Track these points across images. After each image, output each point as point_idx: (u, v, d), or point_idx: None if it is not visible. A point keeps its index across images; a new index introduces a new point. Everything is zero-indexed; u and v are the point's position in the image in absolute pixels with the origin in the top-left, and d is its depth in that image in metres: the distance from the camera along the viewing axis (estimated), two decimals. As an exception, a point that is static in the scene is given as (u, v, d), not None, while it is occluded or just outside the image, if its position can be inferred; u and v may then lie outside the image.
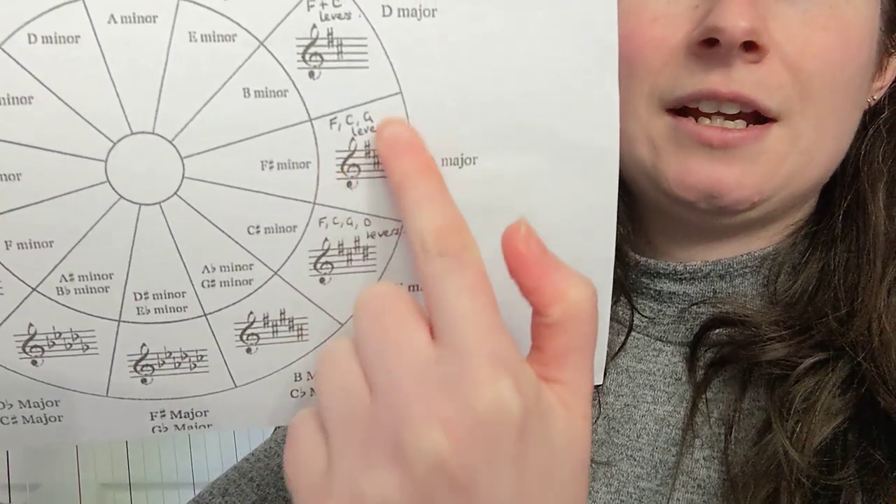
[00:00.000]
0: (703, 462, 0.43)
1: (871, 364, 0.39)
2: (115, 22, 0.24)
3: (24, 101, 0.24)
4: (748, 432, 0.42)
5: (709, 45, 0.39)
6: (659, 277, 0.46)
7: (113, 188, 0.25)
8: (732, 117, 0.40)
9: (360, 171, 0.27)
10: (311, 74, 0.26)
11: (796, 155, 0.41)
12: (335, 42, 0.26)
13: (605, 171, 0.30)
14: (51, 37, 0.24)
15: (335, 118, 0.26)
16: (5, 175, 0.24)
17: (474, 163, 0.28)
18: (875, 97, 0.45)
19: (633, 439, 0.45)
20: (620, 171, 0.36)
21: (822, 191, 0.46)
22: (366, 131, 0.27)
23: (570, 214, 0.30)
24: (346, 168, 0.27)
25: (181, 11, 0.25)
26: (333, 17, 0.26)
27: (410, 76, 0.27)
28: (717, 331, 0.44)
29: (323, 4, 0.26)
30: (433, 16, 0.27)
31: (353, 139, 0.27)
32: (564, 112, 0.29)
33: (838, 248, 0.44)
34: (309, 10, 0.26)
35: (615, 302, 0.47)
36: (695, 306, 0.45)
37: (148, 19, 0.25)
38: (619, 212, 0.40)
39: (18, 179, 0.24)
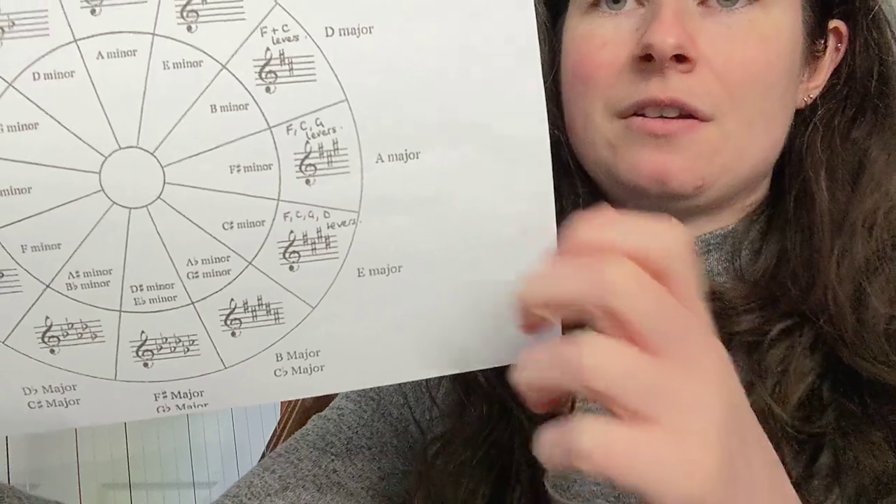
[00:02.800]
0: None
1: (831, 327, 0.45)
2: (103, 57, 0.29)
3: (31, 127, 0.29)
4: None
5: (647, 60, 0.45)
6: None
7: (107, 195, 0.30)
8: (672, 118, 0.46)
9: (316, 169, 0.31)
10: (268, 89, 0.31)
11: (729, 149, 0.47)
12: (286, 61, 0.31)
13: (538, 160, 0.33)
14: (51, 73, 0.29)
15: (291, 125, 0.31)
16: (18, 189, 0.29)
17: (417, 157, 0.32)
18: (812, 95, 0.51)
19: None
20: (587, 170, 0.46)
21: (774, 178, 0.51)
22: (318, 135, 0.31)
23: (509, 202, 0.33)
24: (303, 167, 0.31)
25: (156, 45, 0.30)
26: (284, 41, 0.31)
27: (354, 85, 0.31)
28: None
29: (274, 30, 0.31)
30: (370, 32, 0.31)
31: (307, 142, 0.31)
32: (494, 107, 0.32)
33: (792, 228, 0.49)
34: (262, 35, 0.30)
35: None
36: None
37: (129, 53, 0.30)
38: (591, 202, 0.50)
39: (29, 192, 0.29)
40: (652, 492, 0.27)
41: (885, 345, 0.44)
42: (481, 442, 0.49)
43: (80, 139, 0.29)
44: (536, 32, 0.33)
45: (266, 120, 0.31)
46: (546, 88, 0.53)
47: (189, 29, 0.30)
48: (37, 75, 0.29)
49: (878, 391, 0.44)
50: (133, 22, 0.30)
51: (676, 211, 0.49)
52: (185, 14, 0.30)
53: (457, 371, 0.35)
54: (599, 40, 0.48)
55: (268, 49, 0.30)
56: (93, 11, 0.29)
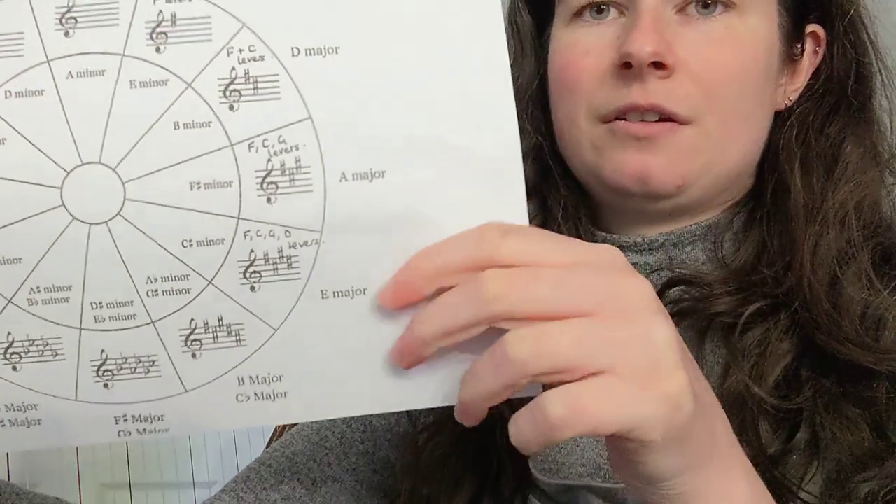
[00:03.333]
0: None
1: (806, 311, 0.47)
2: (72, 77, 0.30)
3: (-1, 143, 0.30)
4: (712, 374, 0.49)
5: (627, 67, 0.48)
6: (623, 251, 0.51)
7: (67, 210, 0.30)
8: (653, 122, 0.49)
9: (277, 188, 0.31)
10: (231, 108, 0.31)
11: (709, 149, 0.50)
12: (251, 80, 0.31)
13: (510, 178, 0.32)
14: (22, 91, 0.30)
15: (253, 143, 0.31)
16: (-19, 202, 0.30)
17: (383, 176, 0.32)
18: (791, 98, 0.54)
19: None
20: (574, 173, 0.50)
21: (756, 174, 0.54)
22: (281, 152, 0.31)
23: (480, 221, 0.32)
24: (265, 185, 0.31)
25: (124, 65, 0.30)
26: (249, 60, 0.31)
27: (318, 104, 0.31)
28: (675, 290, 0.51)
29: (240, 51, 0.31)
30: (336, 53, 0.31)
31: (269, 160, 0.31)
32: (463, 126, 0.32)
33: (771, 219, 0.52)
34: (228, 55, 0.31)
35: None
36: (654, 274, 0.53)
37: (97, 73, 0.30)
38: (578, 202, 0.54)
39: None
40: (637, 430, 0.28)
41: (859, 327, 0.46)
42: (467, 429, 0.51)
43: (45, 154, 0.30)
44: (507, 51, 0.32)
45: (228, 137, 0.31)
46: (532, 95, 0.57)
47: (157, 50, 0.31)
48: (8, 94, 0.30)
49: (853, 371, 0.46)
50: (104, 43, 0.30)
51: (660, 210, 0.52)
52: (154, 36, 0.31)
53: (426, 406, 0.34)
54: (583, 48, 0.51)
55: (233, 68, 0.31)
56: (66, 34, 0.30)
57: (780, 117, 0.54)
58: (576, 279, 0.30)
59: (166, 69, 0.30)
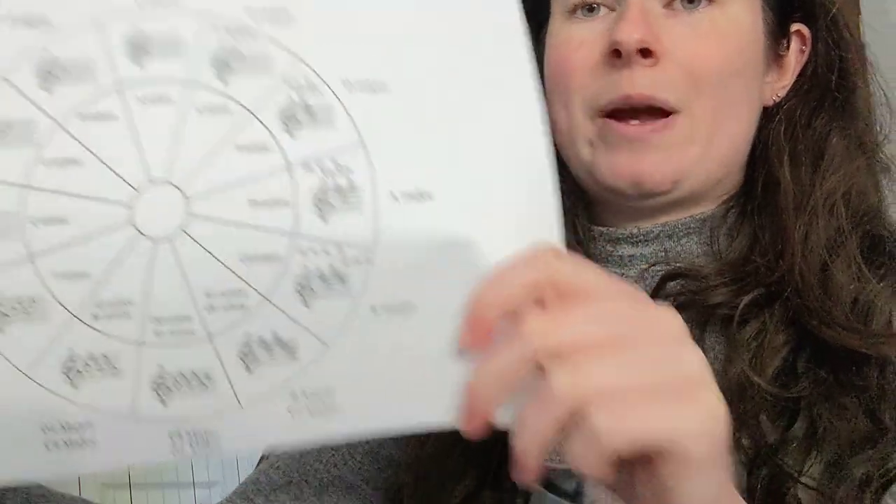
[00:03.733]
0: None
1: (798, 299, 0.50)
2: (143, 103, 0.32)
3: (73, 163, 0.32)
4: (713, 366, 0.47)
5: (616, 56, 0.51)
6: (619, 243, 0.57)
7: (135, 227, 0.32)
8: (645, 120, 0.52)
9: (331, 207, 0.33)
10: (290, 133, 0.33)
11: (699, 139, 0.52)
12: (308, 108, 0.33)
13: (545, 201, 0.34)
14: (96, 115, 0.32)
15: (308, 164, 0.33)
16: (56, 218, 0.31)
17: (432, 198, 0.33)
18: (780, 94, 0.57)
19: None
20: (571, 170, 0.53)
21: (748, 168, 0.57)
22: (334, 174, 0.33)
23: (521, 241, 0.33)
24: (319, 205, 0.32)
25: (191, 93, 0.33)
26: (306, 90, 0.33)
27: (370, 130, 0.33)
28: (672, 283, 0.53)
29: (297, 82, 0.33)
30: (385, 86, 0.34)
31: (324, 181, 0.33)
32: (501, 152, 0.34)
33: (762, 212, 0.54)
34: (287, 86, 0.33)
35: None
36: (653, 267, 0.55)
37: (166, 100, 0.32)
38: (575, 197, 0.57)
39: (66, 222, 0.31)
40: (681, 443, 0.29)
41: (849, 313, 0.49)
42: None
43: (116, 173, 0.32)
44: (537, 87, 0.35)
45: (286, 159, 0.32)
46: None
47: (222, 80, 0.33)
48: (83, 116, 0.32)
49: (846, 359, 0.48)
50: (173, 72, 0.33)
51: (656, 205, 0.55)
52: (218, 67, 0.33)
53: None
54: (576, 42, 0.54)
55: (291, 98, 0.33)
56: (137, 62, 0.33)
57: (768, 113, 0.57)
58: (612, 306, 0.32)
59: (230, 97, 0.33)
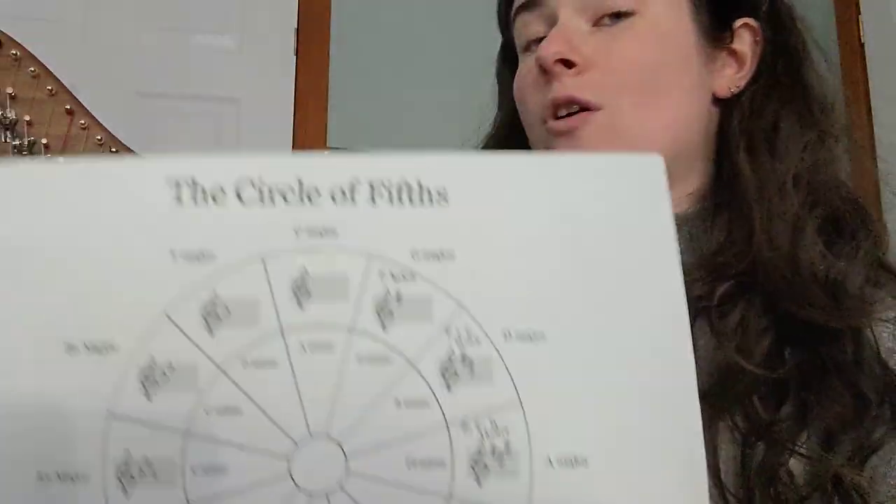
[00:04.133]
0: None
1: (769, 283, 0.53)
2: (304, 350, 0.32)
3: (235, 411, 0.32)
4: (703, 356, 0.52)
5: (545, 72, 0.58)
6: None
7: (293, 481, 0.32)
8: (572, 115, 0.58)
9: (487, 470, 0.32)
10: (448, 388, 0.32)
11: (627, 128, 0.57)
12: (467, 361, 0.32)
13: (697, 476, 0.33)
14: (258, 361, 0.32)
15: (467, 424, 0.32)
16: (215, 468, 0.31)
17: (586, 464, 0.33)
18: (739, 85, 0.61)
19: None
20: None
21: (716, 163, 0.62)
22: (492, 435, 0.32)
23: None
24: (475, 467, 0.32)
25: (353, 340, 0.32)
26: (466, 342, 0.33)
27: (528, 388, 0.33)
28: None
29: (458, 332, 0.33)
30: (544, 338, 0.33)
31: (481, 441, 0.32)
32: (657, 418, 0.33)
33: (731, 203, 0.58)
34: (447, 336, 0.33)
35: None
36: None
37: (328, 347, 0.32)
38: None
39: (225, 472, 0.31)
40: None
41: (817, 289, 0.52)
42: None
43: (277, 425, 0.32)
44: (691, 353, 0.34)
45: (445, 417, 0.32)
46: (513, 126, 0.67)
47: (383, 327, 0.33)
48: (245, 363, 0.32)
49: (823, 335, 0.51)
50: (335, 317, 0.33)
51: None
52: (380, 313, 0.33)
53: None
54: (526, 70, 0.62)
55: (451, 349, 0.32)
56: (299, 305, 0.33)
57: (729, 105, 0.61)
58: None
59: (391, 346, 0.32)
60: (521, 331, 0.33)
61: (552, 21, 0.60)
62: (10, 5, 1.74)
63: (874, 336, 0.52)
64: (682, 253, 0.56)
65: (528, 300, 0.34)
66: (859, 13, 1.90)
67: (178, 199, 0.33)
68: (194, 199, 0.33)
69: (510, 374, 0.33)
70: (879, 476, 0.50)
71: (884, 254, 0.57)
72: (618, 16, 0.58)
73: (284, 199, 0.33)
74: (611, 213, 0.35)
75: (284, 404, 0.32)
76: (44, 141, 0.89)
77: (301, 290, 0.33)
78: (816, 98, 0.61)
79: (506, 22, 0.68)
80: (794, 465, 0.50)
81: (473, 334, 0.33)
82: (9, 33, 0.89)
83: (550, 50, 0.57)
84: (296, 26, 1.85)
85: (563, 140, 0.58)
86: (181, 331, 0.32)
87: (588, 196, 0.35)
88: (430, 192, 0.33)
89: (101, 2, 1.82)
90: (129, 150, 0.91)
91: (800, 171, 0.57)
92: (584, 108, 0.57)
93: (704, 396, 0.49)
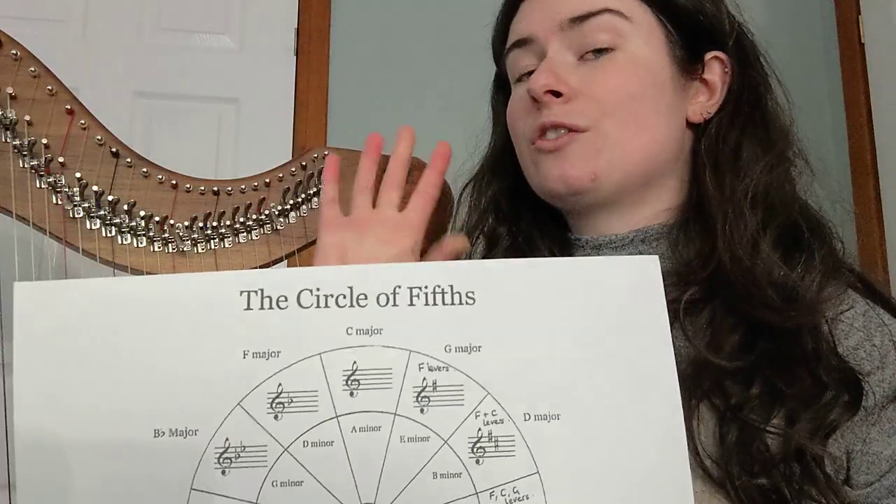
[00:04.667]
0: None
1: (730, 289, 0.60)
2: (356, 431, 0.38)
3: (297, 484, 0.38)
4: (680, 351, 0.58)
5: (535, 101, 0.66)
6: (601, 248, 0.69)
7: None
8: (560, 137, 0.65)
9: None
10: (477, 462, 0.38)
11: (609, 148, 0.64)
12: (493, 439, 0.38)
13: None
14: (316, 442, 0.38)
15: (493, 492, 0.38)
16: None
17: None
18: (710, 111, 0.69)
19: None
20: (538, 194, 0.71)
21: (691, 181, 0.68)
22: (514, 501, 0.38)
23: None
24: None
25: (396, 423, 0.38)
26: (492, 423, 0.39)
27: (545, 460, 0.39)
28: None
29: (485, 414, 0.39)
30: (559, 419, 0.39)
31: None
32: (649, 482, 0.39)
33: (701, 219, 0.65)
34: (476, 418, 0.39)
35: None
36: None
37: (375, 428, 0.38)
38: (560, 217, 0.74)
39: None
40: None
41: (772, 294, 0.59)
42: None
43: (334, 496, 0.38)
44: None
45: (474, 486, 0.38)
46: (506, 150, 0.74)
47: (422, 411, 0.38)
48: (306, 443, 0.38)
49: (784, 332, 0.58)
50: (381, 403, 0.38)
51: (595, 205, 0.67)
52: (419, 399, 0.38)
53: None
54: (518, 98, 0.70)
55: (479, 429, 0.38)
56: (351, 394, 0.38)
57: (700, 130, 0.69)
58: None
59: (429, 427, 0.38)
60: (539, 412, 0.39)
61: (541, 55, 0.67)
62: (10, 5, 1.76)
63: (830, 331, 0.59)
64: (666, 260, 0.67)
65: (545, 386, 0.39)
66: (859, 13, 1.90)
67: (248, 306, 0.38)
68: (262, 306, 0.38)
69: (529, 449, 0.39)
70: (857, 453, 0.58)
71: (842, 255, 0.65)
72: (600, 51, 0.66)
73: (338, 303, 0.39)
74: (614, 307, 0.40)
75: (340, 478, 0.38)
76: (44, 141, 0.93)
77: (352, 381, 0.38)
78: (776, 124, 0.69)
79: (499, 55, 0.75)
80: (769, 439, 0.56)
81: (499, 416, 0.39)
82: (9, 33, 0.92)
83: (540, 82, 0.64)
84: (296, 26, 1.86)
85: (550, 157, 0.66)
86: (252, 418, 0.38)
87: (594, 293, 0.40)
88: (460, 295, 0.39)
89: (101, 2, 1.82)
90: (129, 150, 0.96)
91: (758, 190, 0.64)
92: (571, 130, 0.65)
93: (685, 383, 0.59)
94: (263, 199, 1.01)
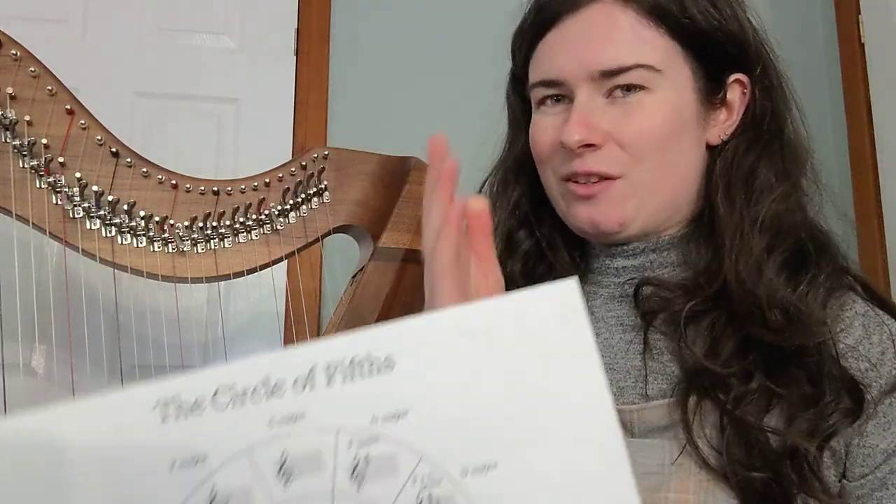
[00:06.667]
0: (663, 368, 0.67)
1: (732, 305, 0.63)
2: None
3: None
4: (684, 353, 0.64)
5: (566, 148, 0.66)
6: (615, 257, 0.73)
7: None
8: (594, 182, 0.67)
9: None
10: None
11: (638, 194, 0.67)
12: (434, 501, 0.37)
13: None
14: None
15: None
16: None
17: None
18: (728, 132, 0.70)
19: (610, 359, 0.69)
20: (559, 215, 0.74)
21: (704, 197, 0.70)
22: None
23: None
24: None
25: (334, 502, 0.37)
26: (430, 485, 0.37)
27: None
28: (647, 288, 0.69)
29: (422, 478, 0.37)
30: (496, 467, 0.38)
31: None
32: None
33: (710, 235, 0.68)
34: (413, 483, 0.37)
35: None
36: (634, 279, 0.71)
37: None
38: (570, 235, 0.75)
39: None
40: None
41: (775, 314, 0.61)
42: None
43: None
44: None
45: None
46: (526, 160, 0.76)
47: (358, 488, 0.37)
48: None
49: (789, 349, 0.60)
50: (317, 488, 0.37)
51: (619, 241, 0.70)
52: (354, 476, 0.37)
53: None
54: (542, 128, 0.71)
55: (418, 494, 0.37)
56: (286, 484, 0.37)
57: (715, 151, 0.70)
58: None
59: (369, 501, 0.37)
60: (476, 464, 0.38)
61: (569, 92, 0.68)
62: (10, 5, 1.75)
63: (833, 343, 0.61)
64: (675, 267, 0.70)
65: (478, 436, 0.38)
66: (859, 13, 1.90)
67: (164, 419, 0.38)
68: (177, 416, 0.38)
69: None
70: (854, 446, 0.60)
71: (846, 265, 0.67)
72: (628, 88, 0.66)
73: (255, 397, 0.38)
74: (538, 340, 0.39)
75: None
76: (44, 141, 0.93)
77: (284, 472, 0.38)
78: (793, 154, 0.70)
79: (520, 66, 0.75)
80: (769, 435, 0.59)
81: (435, 477, 0.38)
82: (9, 33, 0.93)
83: (574, 137, 0.65)
84: (296, 26, 1.85)
85: (584, 203, 0.68)
86: None
87: (515, 332, 0.39)
88: (378, 362, 0.39)
89: (101, 2, 1.82)
90: (129, 150, 0.97)
91: (768, 216, 0.66)
92: (605, 177, 0.66)
93: (690, 384, 0.63)
94: (263, 199, 1.02)
